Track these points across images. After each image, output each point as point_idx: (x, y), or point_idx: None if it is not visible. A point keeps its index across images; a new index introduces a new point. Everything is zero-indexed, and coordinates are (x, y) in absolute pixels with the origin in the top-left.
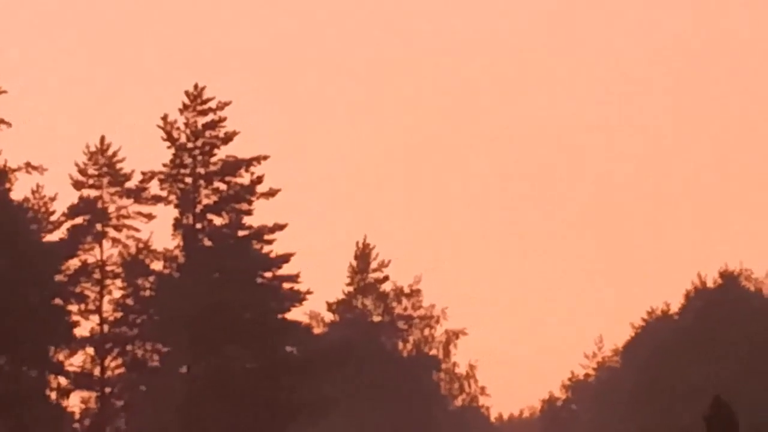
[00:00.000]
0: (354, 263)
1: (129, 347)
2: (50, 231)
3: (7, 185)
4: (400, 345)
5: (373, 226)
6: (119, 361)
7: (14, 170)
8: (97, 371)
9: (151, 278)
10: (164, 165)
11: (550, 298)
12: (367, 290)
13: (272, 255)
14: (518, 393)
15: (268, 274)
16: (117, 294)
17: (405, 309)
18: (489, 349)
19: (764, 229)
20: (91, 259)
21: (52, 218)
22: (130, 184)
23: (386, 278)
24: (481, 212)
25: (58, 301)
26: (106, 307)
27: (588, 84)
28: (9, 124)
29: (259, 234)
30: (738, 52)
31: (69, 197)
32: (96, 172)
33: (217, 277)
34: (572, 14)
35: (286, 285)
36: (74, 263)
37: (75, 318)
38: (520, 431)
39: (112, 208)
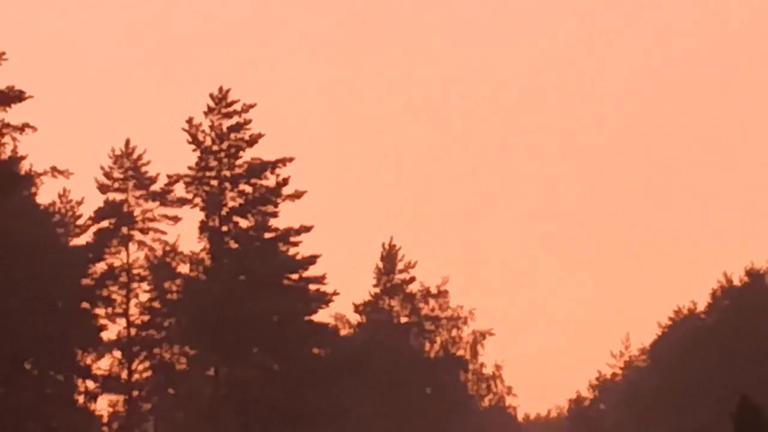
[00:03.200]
0: (380, 264)
1: (156, 350)
2: (77, 235)
3: (33, 189)
4: (427, 346)
5: (400, 227)
6: (146, 364)
7: (40, 174)
8: (124, 374)
9: (178, 281)
10: (189, 168)
11: (576, 297)
12: (393, 291)
13: (298, 257)
14: (545, 393)
15: (295, 276)
16: (144, 297)
17: (432, 310)
18: (516, 349)
19: None
20: (117, 263)
21: (79, 222)
22: (156, 187)
23: (413, 279)
24: (508, 212)
25: (85, 304)
26: (133, 310)
27: (609, 85)
28: (34, 129)
29: (285, 236)
30: (758, 48)
31: (95, 201)
32: (121, 176)
33: (243, 280)
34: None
35: (313, 287)
36: (101, 267)
37: (102, 321)
38: (547, 431)
39: (137, 212)
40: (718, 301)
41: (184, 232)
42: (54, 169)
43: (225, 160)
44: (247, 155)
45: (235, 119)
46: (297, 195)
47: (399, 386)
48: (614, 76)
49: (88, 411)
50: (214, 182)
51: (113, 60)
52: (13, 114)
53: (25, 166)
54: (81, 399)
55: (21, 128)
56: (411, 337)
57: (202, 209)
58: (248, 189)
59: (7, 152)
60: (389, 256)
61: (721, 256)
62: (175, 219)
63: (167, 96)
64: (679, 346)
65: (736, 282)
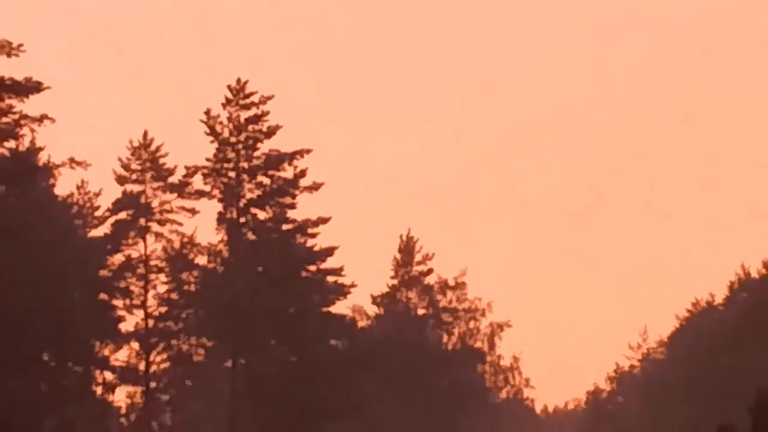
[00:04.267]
0: (398, 256)
1: (174, 342)
2: (95, 226)
3: (52, 181)
4: (445, 338)
5: (417, 219)
6: (164, 355)
7: (58, 166)
8: (142, 366)
9: (195, 273)
10: (207, 159)
11: (594, 290)
12: (411, 283)
13: (316, 248)
14: (563, 385)
15: (312, 268)
16: (161, 289)
17: (450, 302)
18: (534, 341)
19: None
20: (135, 254)
21: (97, 213)
22: (174, 179)
23: (430, 271)
24: (525, 204)
25: (103, 296)
26: (151, 301)
27: (626, 79)
28: (52, 120)
29: (303, 227)
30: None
31: (113, 192)
32: (139, 167)
33: (260, 271)
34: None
35: (330, 278)
36: (119, 258)
37: (120, 313)
38: (565, 423)
39: (155, 203)
40: (736, 293)
41: (202, 223)
42: (72, 160)
43: (243, 152)
44: (264, 147)
45: (252, 111)
46: (315, 187)
47: (416, 378)
48: (627, 72)
49: (106, 402)
50: (232, 174)
51: (131, 51)
52: (31, 105)
53: (43, 158)
54: (99, 390)
55: (39, 119)
56: (428, 329)
57: (220, 201)
58: (266, 181)
59: (26, 143)
60: (407, 248)
61: (739, 248)
62: (193, 211)
63: (185, 88)
64: (697, 338)
65: (754, 274)
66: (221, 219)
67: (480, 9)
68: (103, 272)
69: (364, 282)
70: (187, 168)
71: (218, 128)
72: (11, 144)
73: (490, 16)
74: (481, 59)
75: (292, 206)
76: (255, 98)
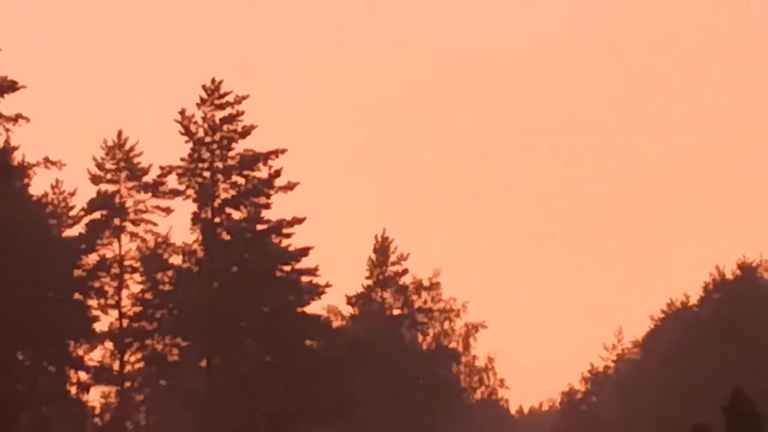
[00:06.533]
0: (373, 256)
1: (148, 341)
2: (69, 226)
3: (26, 180)
4: (420, 338)
5: (392, 219)
6: (139, 355)
7: (33, 165)
8: (116, 366)
9: (170, 272)
10: (182, 159)
11: (569, 290)
12: (386, 283)
13: (291, 248)
14: (538, 385)
15: (287, 268)
16: (136, 288)
17: (425, 302)
18: (508, 341)
19: None
20: (109, 254)
21: (71, 213)
22: (148, 179)
23: (405, 271)
24: (501, 204)
25: (77, 296)
26: (125, 301)
27: (604, 79)
28: (27, 119)
29: (278, 228)
30: (750, 41)
31: (87, 192)
32: (114, 167)
33: (235, 271)
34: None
35: (305, 278)
36: (93, 258)
37: (94, 313)
38: (540, 424)
39: (130, 203)
40: (711, 294)
41: (177, 223)
42: (47, 159)
43: (217, 152)
44: (239, 147)
45: (227, 111)
46: (289, 186)
47: (391, 378)
48: (608, 74)
49: (81, 402)
50: (207, 174)
51: (106, 51)
52: (6, 104)
53: (17, 157)
54: (73, 390)
55: (14, 119)
56: (403, 330)
57: (195, 201)
58: (241, 180)
59: (0, 143)
60: (382, 248)
61: (714, 249)
62: (168, 210)
63: (160, 87)
64: (672, 339)
65: (729, 275)
66: (196, 219)
67: (468, 9)
68: (78, 272)
69: (339, 282)
70: (161, 168)
71: (193, 128)
72: None
73: (477, 16)
74: (455, 59)
75: (267, 206)
76: (230, 98)
